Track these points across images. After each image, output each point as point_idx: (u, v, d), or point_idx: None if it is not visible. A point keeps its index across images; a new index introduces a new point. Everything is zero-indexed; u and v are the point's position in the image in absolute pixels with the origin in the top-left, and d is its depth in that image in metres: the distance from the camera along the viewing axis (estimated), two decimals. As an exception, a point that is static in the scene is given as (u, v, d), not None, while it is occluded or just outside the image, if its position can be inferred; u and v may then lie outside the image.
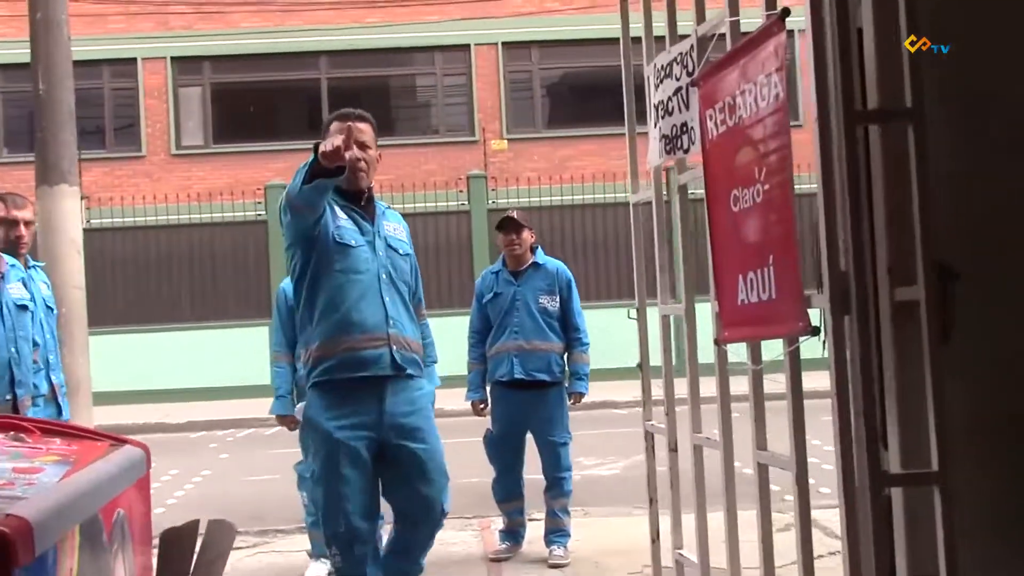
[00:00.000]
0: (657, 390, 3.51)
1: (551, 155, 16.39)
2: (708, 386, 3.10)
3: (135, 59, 16.80)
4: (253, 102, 17.73)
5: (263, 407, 6.31)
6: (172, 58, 16.93)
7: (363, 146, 3.50)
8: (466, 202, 15.60)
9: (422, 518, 3.54)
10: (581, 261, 14.84)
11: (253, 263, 15.44)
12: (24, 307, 4.25)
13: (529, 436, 5.43)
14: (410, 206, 15.30)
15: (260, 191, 15.47)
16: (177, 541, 3.02)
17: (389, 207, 3.78)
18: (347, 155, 3.12)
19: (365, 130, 3.55)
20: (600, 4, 16.18)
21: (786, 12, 2.38)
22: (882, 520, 2.31)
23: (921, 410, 2.24)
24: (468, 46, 17.05)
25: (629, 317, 3.45)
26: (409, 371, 3.51)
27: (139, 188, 15.91)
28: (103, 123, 16.79)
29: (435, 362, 3.85)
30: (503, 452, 5.41)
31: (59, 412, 4.42)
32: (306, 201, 3.30)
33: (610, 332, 13.59)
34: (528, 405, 5.31)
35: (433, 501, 3.52)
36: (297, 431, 5.82)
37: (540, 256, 5.51)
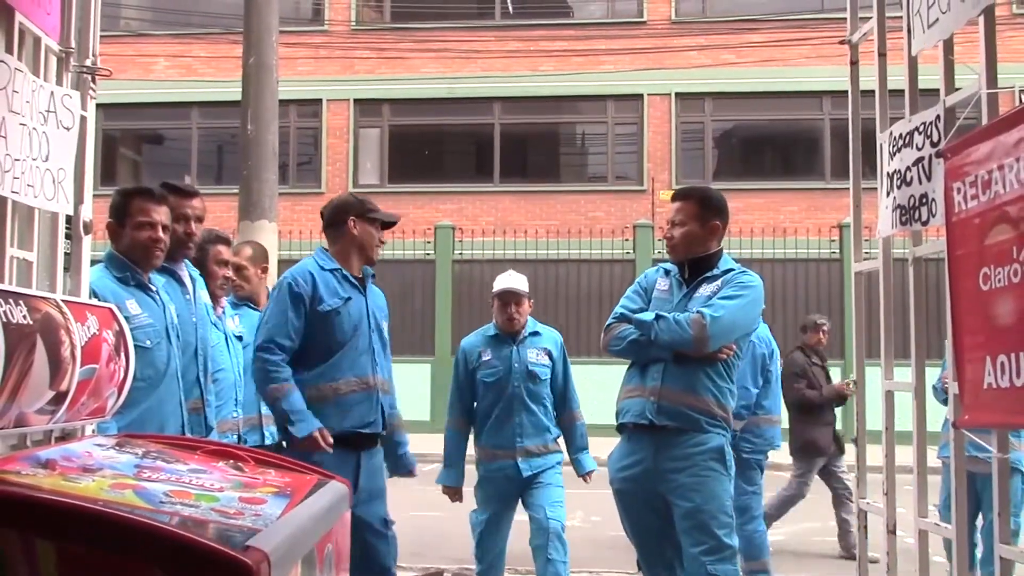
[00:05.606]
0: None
1: (719, 207, 16.16)
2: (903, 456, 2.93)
3: (320, 100, 17.64)
4: (427, 144, 18.30)
5: (421, 443, 6.37)
6: (355, 100, 17.69)
7: (671, 224, 3.72)
8: (631, 251, 15.54)
9: None
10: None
11: (420, 300, 15.80)
12: (240, 338, 4.51)
13: None
14: (575, 252, 15.41)
15: (430, 231, 15.89)
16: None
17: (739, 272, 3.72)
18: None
19: (680, 208, 3.73)
20: (776, 58, 15.95)
21: (1064, 86, 2.24)
22: None
23: None
24: (641, 96, 17.11)
25: (849, 389, 3.33)
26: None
27: (317, 223, 16.47)
28: (287, 159, 17.62)
29: None
30: None
31: (262, 439, 4.64)
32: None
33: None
34: None
35: None
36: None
37: None
